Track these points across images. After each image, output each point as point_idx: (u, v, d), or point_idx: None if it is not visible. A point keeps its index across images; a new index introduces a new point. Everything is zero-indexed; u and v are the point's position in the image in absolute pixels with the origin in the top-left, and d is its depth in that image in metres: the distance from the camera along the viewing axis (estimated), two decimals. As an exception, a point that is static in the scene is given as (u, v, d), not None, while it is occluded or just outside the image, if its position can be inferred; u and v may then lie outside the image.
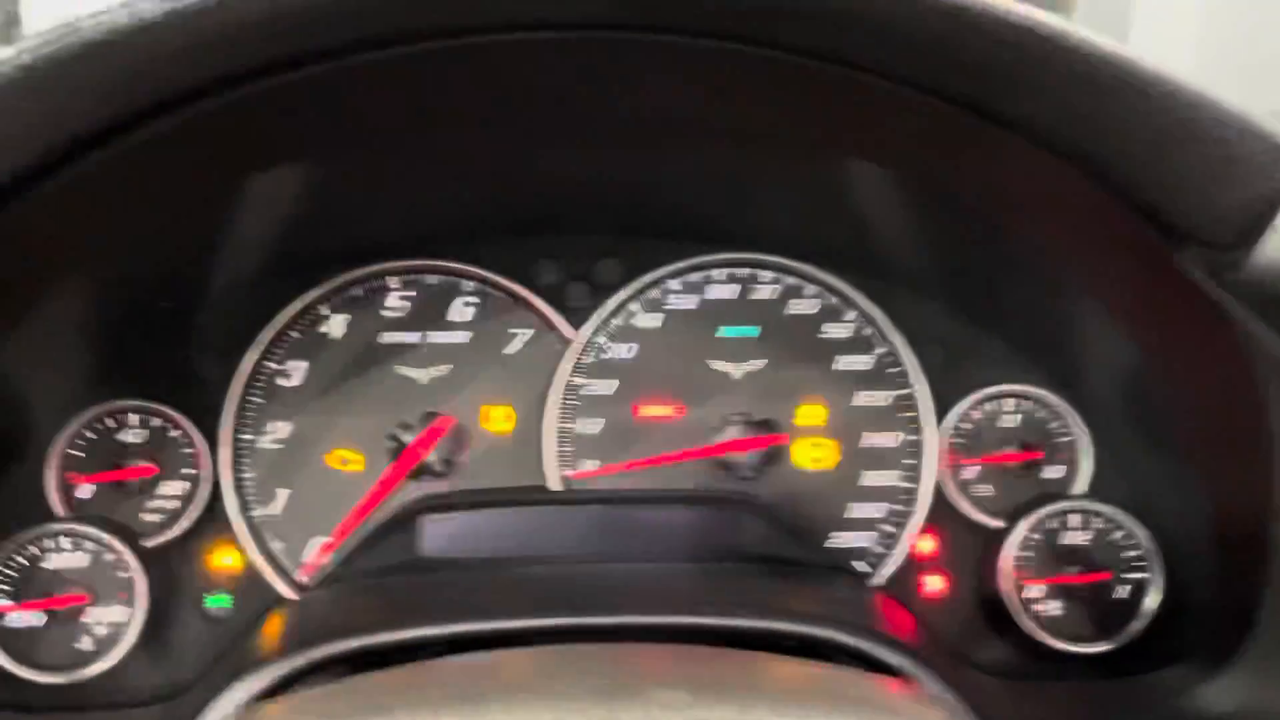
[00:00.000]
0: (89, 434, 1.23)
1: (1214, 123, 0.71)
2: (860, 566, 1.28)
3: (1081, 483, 1.27)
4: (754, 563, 1.22)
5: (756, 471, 1.26)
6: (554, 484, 1.27)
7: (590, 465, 1.28)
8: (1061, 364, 1.26)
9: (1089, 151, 0.74)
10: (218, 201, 0.98)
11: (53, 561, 1.17)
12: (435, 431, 1.25)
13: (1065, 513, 1.23)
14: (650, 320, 1.30)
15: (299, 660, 0.93)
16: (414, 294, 1.29)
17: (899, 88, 0.72)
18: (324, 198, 1.09)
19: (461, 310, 1.29)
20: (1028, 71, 0.70)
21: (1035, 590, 1.22)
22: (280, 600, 1.24)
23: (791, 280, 1.30)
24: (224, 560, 1.25)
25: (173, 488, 1.24)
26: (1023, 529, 1.22)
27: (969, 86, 0.72)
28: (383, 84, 0.81)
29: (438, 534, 1.22)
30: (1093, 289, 1.00)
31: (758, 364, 1.29)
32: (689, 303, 1.30)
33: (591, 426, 1.29)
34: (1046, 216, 0.91)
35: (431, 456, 1.25)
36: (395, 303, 1.28)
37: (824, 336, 1.29)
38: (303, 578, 1.25)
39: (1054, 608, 1.22)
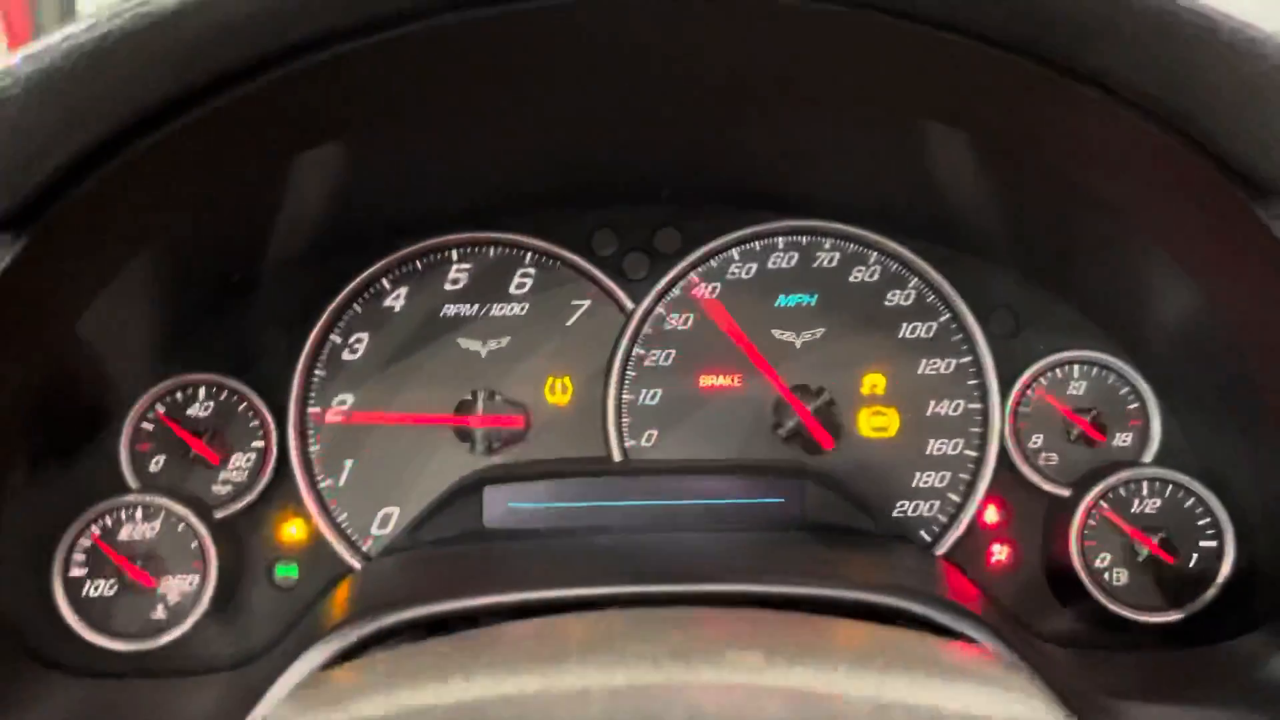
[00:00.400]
0: (159, 408, 1.25)
1: (1301, 73, 0.69)
2: (924, 535, 1.27)
3: (1150, 450, 1.25)
4: (818, 532, 1.22)
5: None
6: (616, 455, 1.28)
7: (651, 435, 1.28)
8: (1131, 329, 1.23)
9: (1171, 105, 0.72)
10: (281, 175, 0.99)
11: (126, 532, 1.20)
12: (502, 420, 1.26)
13: (1135, 481, 1.21)
14: (709, 290, 1.29)
15: (370, 627, 0.94)
16: (474, 266, 1.29)
17: (980, 45, 0.71)
18: (385, 170, 1.09)
19: (521, 282, 1.29)
20: (1112, 24, 0.68)
21: (1104, 559, 1.21)
22: (347, 569, 1.25)
23: (852, 248, 1.29)
24: (291, 531, 1.26)
25: (240, 460, 1.26)
26: (1091, 497, 1.21)
27: (1051, 41, 0.70)
28: (446, 51, 0.81)
29: (501, 505, 1.23)
30: (1171, 249, 0.98)
31: (819, 332, 1.28)
32: (748, 272, 1.29)
33: (651, 397, 1.29)
34: (1124, 171, 0.89)
35: (479, 432, 1.26)
36: (455, 275, 1.29)
37: (887, 304, 1.28)
38: (367, 547, 1.27)
39: (1123, 576, 1.21)
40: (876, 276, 1.29)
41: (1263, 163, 0.73)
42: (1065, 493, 1.25)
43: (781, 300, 1.29)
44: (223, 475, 1.25)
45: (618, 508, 1.24)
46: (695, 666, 0.57)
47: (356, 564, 1.25)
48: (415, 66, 0.81)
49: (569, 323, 1.29)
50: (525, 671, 0.58)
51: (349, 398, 1.28)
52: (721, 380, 1.28)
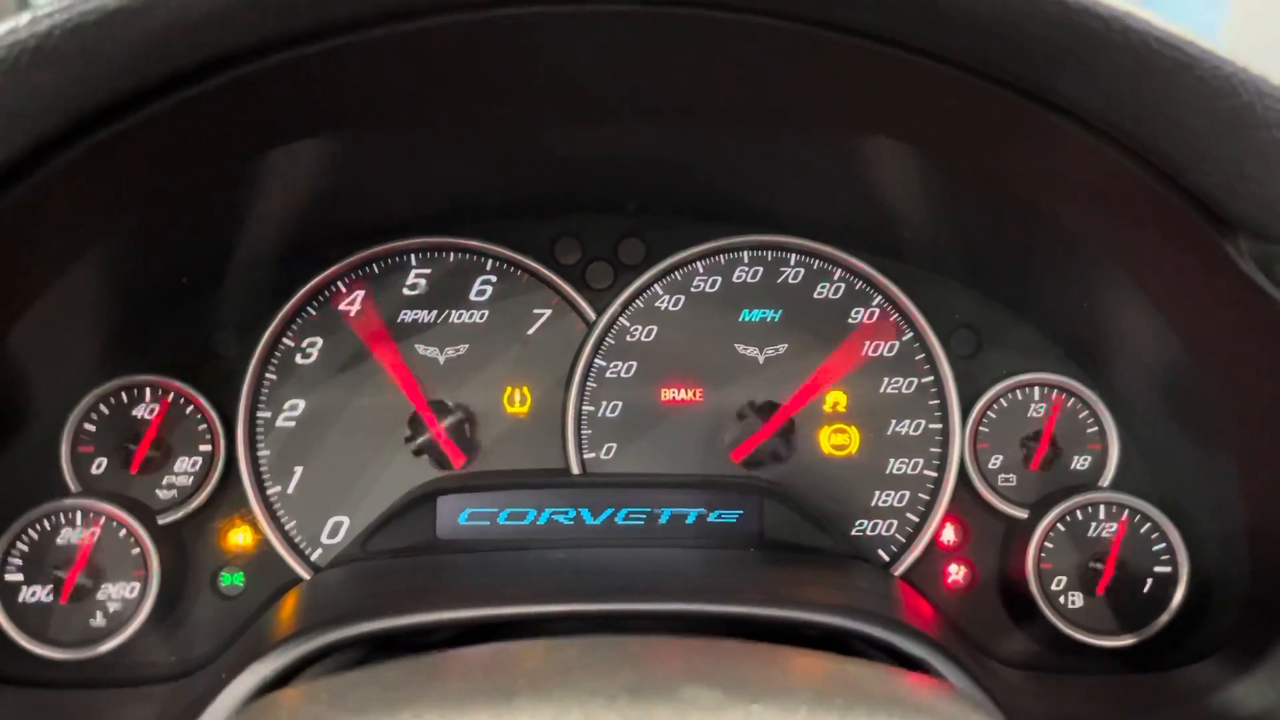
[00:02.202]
0: (103, 409, 1.21)
1: (1275, 111, 0.69)
2: (883, 555, 1.26)
3: (1108, 474, 1.25)
4: (776, 550, 1.21)
5: (778, 459, 1.24)
6: (575, 468, 1.26)
7: (610, 449, 1.26)
8: (1093, 354, 1.23)
9: (1143, 137, 0.71)
10: (237, 176, 0.96)
11: (65, 537, 1.16)
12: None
13: (1091, 504, 1.21)
14: (672, 302, 1.27)
15: (316, 642, 0.92)
16: (433, 272, 1.26)
17: (950, 70, 0.70)
18: (343, 173, 1.07)
19: (481, 289, 1.27)
20: (1085, 56, 0.68)
21: (1059, 581, 1.21)
22: (294, 579, 1.22)
23: (817, 264, 1.28)
24: (238, 538, 1.23)
25: (187, 464, 1.22)
26: (1048, 520, 1.20)
27: (1023, 70, 0.69)
28: (406, 57, 0.79)
29: (455, 517, 1.21)
30: (1134, 276, 0.97)
31: (781, 348, 1.27)
32: (712, 285, 1.28)
33: (612, 409, 1.27)
34: (1092, 201, 0.88)
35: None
36: (414, 281, 1.26)
37: (850, 322, 1.27)
38: (316, 557, 1.24)
39: (1078, 600, 1.21)
40: (840, 293, 1.28)
41: (1231, 198, 0.73)
42: (1023, 514, 1.24)
43: (745, 315, 1.27)
44: (167, 480, 1.22)
45: (574, 521, 1.22)
46: (652, 705, 0.56)
47: (305, 574, 1.23)
48: (372, 72, 0.79)
49: (529, 332, 1.27)
50: (476, 708, 0.56)
51: (300, 403, 1.25)
52: (683, 394, 1.27)
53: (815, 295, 1.28)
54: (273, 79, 0.73)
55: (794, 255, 1.28)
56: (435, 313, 1.26)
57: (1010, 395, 1.27)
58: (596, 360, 1.27)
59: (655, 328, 1.27)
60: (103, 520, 1.17)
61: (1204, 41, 0.68)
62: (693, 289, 1.27)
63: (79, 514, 1.17)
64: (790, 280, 1.28)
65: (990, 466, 1.27)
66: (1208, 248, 0.78)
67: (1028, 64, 0.69)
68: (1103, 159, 0.75)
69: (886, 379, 1.27)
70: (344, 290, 1.25)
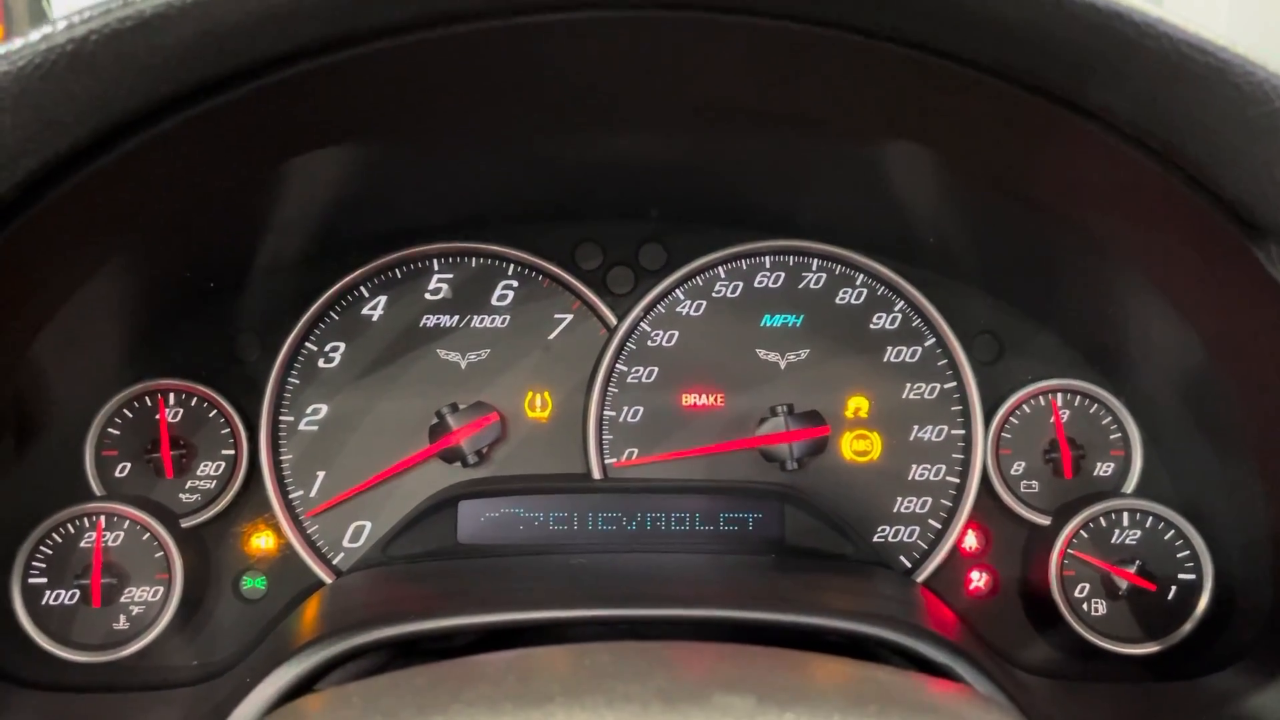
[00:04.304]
0: (127, 413, 1.22)
1: (1306, 116, 0.68)
2: (905, 561, 1.26)
3: (1131, 481, 1.25)
4: (797, 556, 1.21)
5: (801, 463, 1.24)
6: (596, 472, 1.26)
7: (631, 453, 1.26)
8: (1116, 360, 1.23)
9: (1172, 142, 0.71)
10: (262, 183, 0.96)
11: (89, 540, 1.17)
12: (481, 422, 1.23)
13: (1115, 511, 1.21)
14: (694, 307, 1.27)
15: (339, 647, 0.92)
16: (455, 277, 1.27)
17: (978, 74, 0.70)
18: (368, 179, 1.07)
19: (502, 294, 1.27)
20: (1115, 61, 0.67)
21: (1082, 589, 1.20)
22: (316, 583, 1.23)
23: (839, 269, 1.28)
24: (260, 542, 1.24)
25: (210, 468, 1.23)
26: (1072, 526, 1.20)
27: (1052, 75, 0.69)
28: (434, 65, 0.79)
29: (476, 521, 1.21)
30: (1159, 282, 0.97)
31: (803, 353, 1.27)
32: (734, 290, 1.28)
33: (633, 414, 1.27)
34: (1118, 206, 0.88)
35: (465, 445, 1.23)
36: (436, 285, 1.27)
37: (872, 327, 1.27)
38: (338, 561, 1.24)
39: (1101, 607, 1.20)
40: (862, 299, 1.28)
41: (1261, 203, 0.72)
42: (1045, 521, 1.24)
43: (767, 320, 1.27)
44: (190, 483, 1.23)
45: (595, 526, 1.22)
46: (685, 711, 0.56)
47: (326, 578, 1.23)
48: (400, 80, 0.79)
49: (551, 336, 1.27)
50: (508, 712, 0.56)
51: (323, 407, 1.25)
52: (704, 399, 1.27)
53: (837, 301, 1.28)
54: (303, 86, 0.73)
55: (816, 260, 1.28)
56: (457, 317, 1.26)
57: (1032, 401, 1.26)
58: (618, 365, 1.27)
59: (676, 333, 1.27)
60: (126, 523, 1.17)
61: (1236, 47, 0.68)
62: (714, 294, 1.28)
63: (103, 517, 1.17)
64: (812, 285, 1.28)
65: (1013, 473, 1.26)
66: (1236, 253, 0.78)
67: (1057, 68, 0.69)
68: (1130, 163, 0.75)
69: (909, 384, 1.27)
70: (366, 295, 1.26)
